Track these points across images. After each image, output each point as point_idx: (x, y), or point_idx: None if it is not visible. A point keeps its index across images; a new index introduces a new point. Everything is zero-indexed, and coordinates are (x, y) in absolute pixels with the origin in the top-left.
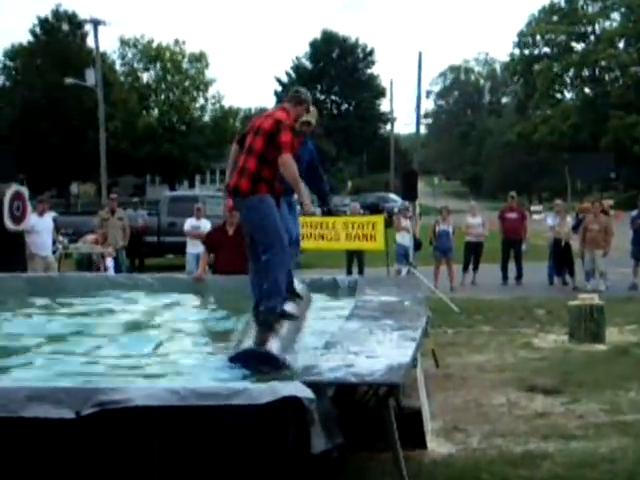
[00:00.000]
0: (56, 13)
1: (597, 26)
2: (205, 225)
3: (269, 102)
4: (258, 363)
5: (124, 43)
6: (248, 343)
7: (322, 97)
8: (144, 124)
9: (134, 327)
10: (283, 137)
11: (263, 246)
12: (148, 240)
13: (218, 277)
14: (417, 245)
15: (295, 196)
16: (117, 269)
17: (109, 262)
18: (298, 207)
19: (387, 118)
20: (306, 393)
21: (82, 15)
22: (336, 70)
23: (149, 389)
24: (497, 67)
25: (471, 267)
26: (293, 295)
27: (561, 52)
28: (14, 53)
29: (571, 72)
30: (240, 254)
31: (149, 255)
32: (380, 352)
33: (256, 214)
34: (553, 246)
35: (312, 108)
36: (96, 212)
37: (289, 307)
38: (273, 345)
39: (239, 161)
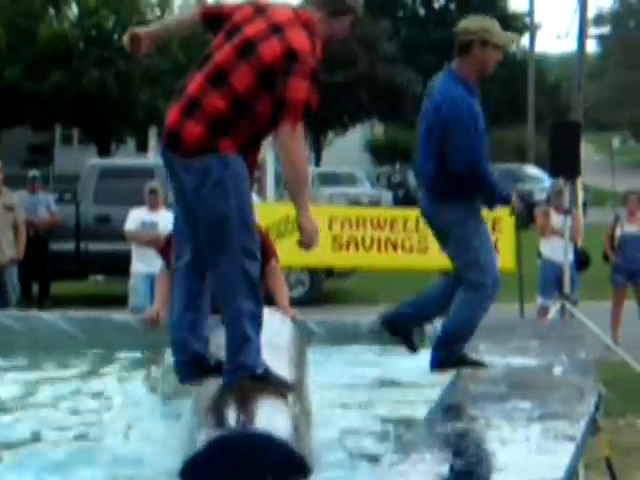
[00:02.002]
0: None
1: None
2: (165, 221)
3: None
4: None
5: None
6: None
7: None
8: (50, 33)
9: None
10: (294, 89)
11: (217, 251)
12: (57, 248)
13: None
14: (581, 262)
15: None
16: (1, 299)
17: None
18: None
19: (522, 25)
20: None
21: None
22: None
23: None
24: None
25: None
26: None
27: None
28: None
29: None
30: None
31: (60, 276)
32: (506, 460)
33: (213, 188)
34: None
35: None
36: None
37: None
38: (277, 429)
39: (189, 84)
